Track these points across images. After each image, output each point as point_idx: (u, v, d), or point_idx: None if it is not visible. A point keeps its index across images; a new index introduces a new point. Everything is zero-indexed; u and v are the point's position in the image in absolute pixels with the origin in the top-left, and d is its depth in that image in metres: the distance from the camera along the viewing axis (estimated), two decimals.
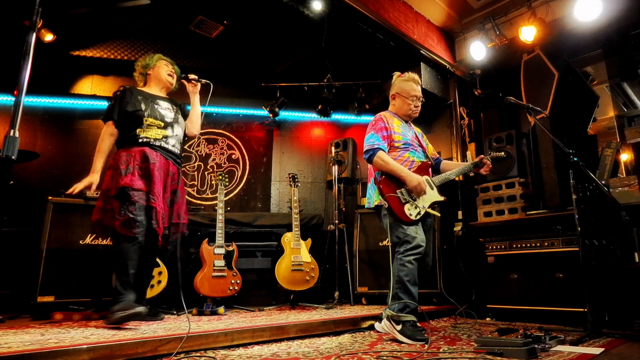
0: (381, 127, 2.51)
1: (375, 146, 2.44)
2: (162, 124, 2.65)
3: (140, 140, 2.55)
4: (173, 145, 2.68)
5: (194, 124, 2.89)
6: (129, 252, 2.36)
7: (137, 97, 2.64)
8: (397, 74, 2.71)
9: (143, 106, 2.61)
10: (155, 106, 2.68)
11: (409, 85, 2.62)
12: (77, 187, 2.47)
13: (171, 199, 2.62)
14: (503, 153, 2.64)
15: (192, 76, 2.90)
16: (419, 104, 2.64)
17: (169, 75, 2.85)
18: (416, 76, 2.66)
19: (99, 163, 2.53)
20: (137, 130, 2.56)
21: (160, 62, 2.85)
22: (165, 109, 2.72)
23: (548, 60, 3.47)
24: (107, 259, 3.11)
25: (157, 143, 2.59)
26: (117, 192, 2.38)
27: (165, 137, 2.64)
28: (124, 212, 2.35)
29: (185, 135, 2.86)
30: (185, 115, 2.87)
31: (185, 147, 4.43)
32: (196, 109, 2.91)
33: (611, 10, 3.31)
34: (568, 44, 3.79)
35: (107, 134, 2.58)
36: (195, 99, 2.92)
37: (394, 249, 2.42)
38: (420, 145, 2.64)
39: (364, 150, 2.49)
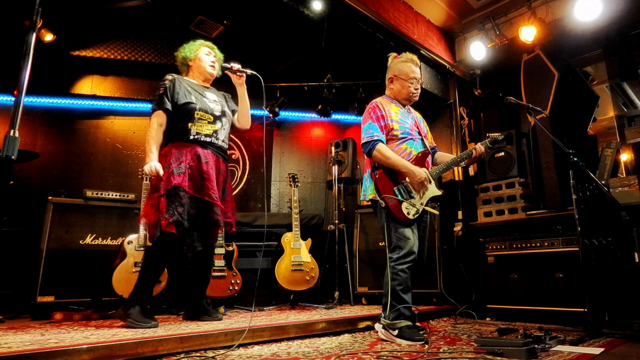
0: (378, 115, 2.36)
1: (375, 138, 2.30)
2: (212, 118, 2.52)
3: (191, 136, 2.43)
4: (222, 141, 2.58)
5: (245, 118, 2.73)
6: (166, 253, 2.36)
7: (187, 88, 2.52)
8: (393, 54, 2.53)
9: (194, 98, 2.49)
10: (204, 99, 2.55)
11: (407, 67, 2.44)
12: (152, 171, 2.28)
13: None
14: (499, 135, 2.47)
15: (235, 66, 2.61)
16: (419, 86, 2.47)
17: (211, 66, 2.67)
18: (415, 57, 2.47)
19: (154, 153, 2.34)
20: (189, 124, 2.44)
21: (201, 52, 2.66)
22: (213, 102, 2.59)
23: (548, 60, 3.47)
24: (107, 258, 3.12)
25: (208, 139, 2.49)
26: (168, 191, 2.28)
27: (216, 132, 2.53)
28: (172, 212, 2.25)
29: (232, 127, 2.72)
30: (230, 107, 2.73)
31: None
32: (245, 103, 2.71)
33: (611, 10, 3.31)
34: (568, 44, 3.78)
35: (157, 124, 2.41)
36: (243, 91, 2.68)
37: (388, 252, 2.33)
38: (420, 133, 2.47)
39: (362, 142, 2.36)
